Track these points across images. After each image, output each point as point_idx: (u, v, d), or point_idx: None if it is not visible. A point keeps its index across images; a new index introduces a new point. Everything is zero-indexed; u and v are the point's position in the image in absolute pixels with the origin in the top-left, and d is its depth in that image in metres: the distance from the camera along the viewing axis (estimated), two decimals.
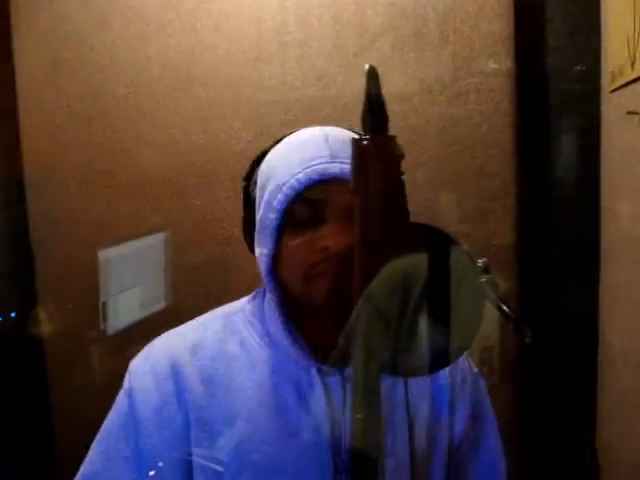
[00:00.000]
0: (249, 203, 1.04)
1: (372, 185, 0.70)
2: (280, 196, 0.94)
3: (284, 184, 0.94)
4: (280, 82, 1.77)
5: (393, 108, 1.70)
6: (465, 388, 1.13)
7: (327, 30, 1.74)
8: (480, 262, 0.83)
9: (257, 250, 1.00)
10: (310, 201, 0.93)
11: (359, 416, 0.71)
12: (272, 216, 0.95)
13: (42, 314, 1.93)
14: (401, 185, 0.77)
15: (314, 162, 0.93)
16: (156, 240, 1.92)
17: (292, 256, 0.95)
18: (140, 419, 1.01)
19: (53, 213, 1.92)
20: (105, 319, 1.88)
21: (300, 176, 0.93)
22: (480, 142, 1.66)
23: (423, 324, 0.81)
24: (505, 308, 0.74)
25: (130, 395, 1.03)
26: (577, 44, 1.63)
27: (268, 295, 1.04)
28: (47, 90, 1.89)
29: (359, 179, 0.71)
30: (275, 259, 0.97)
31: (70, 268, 1.92)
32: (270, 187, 0.96)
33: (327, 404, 1.00)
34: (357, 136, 0.88)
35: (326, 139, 0.96)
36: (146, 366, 1.05)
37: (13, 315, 1.88)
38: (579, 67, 1.63)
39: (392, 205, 0.72)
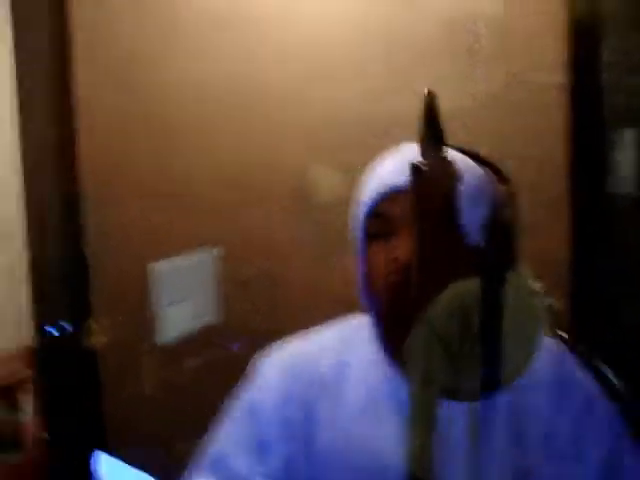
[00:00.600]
0: None
1: (428, 207, 0.71)
2: (359, 214, 1.00)
3: (362, 202, 0.99)
4: (333, 100, 1.78)
5: (446, 124, 1.69)
6: (595, 424, 0.99)
7: (380, 48, 1.74)
8: (539, 287, 0.83)
9: (355, 271, 1.03)
10: (380, 214, 0.95)
11: (417, 442, 0.71)
12: (356, 234, 1.01)
13: (96, 326, 1.96)
14: (455, 207, 0.77)
15: (386, 176, 0.97)
16: (207, 254, 1.94)
17: (371, 270, 0.97)
18: (263, 413, 1.07)
19: (107, 227, 1.95)
20: (156, 331, 1.91)
21: (372, 192, 0.97)
22: (533, 157, 1.64)
23: (484, 348, 0.81)
24: (562, 334, 0.73)
25: (257, 389, 1.09)
26: (632, 59, 1.61)
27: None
28: (108, 112, 1.93)
29: (418, 202, 0.72)
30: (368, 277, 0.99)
31: (123, 281, 1.95)
32: (358, 208, 1.01)
33: None
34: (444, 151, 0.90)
35: (403, 153, 0.99)
36: (273, 365, 1.11)
37: (68, 327, 1.92)
38: (634, 81, 1.61)
39: (447, 227, 0.73)
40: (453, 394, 0.83)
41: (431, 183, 0.71)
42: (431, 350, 0.75)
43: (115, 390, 1.97)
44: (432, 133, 0.73)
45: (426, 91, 0.72)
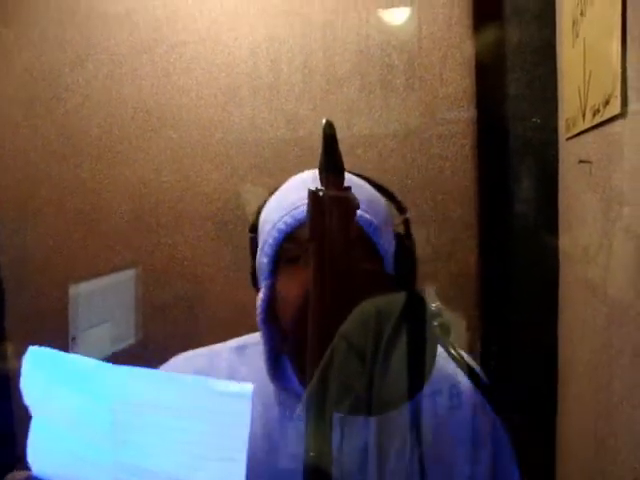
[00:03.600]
0: (255, 253, 1.06)
1: (326, 234, 0.74)
2: (270, 239, 0.98)
3: (273, 227, 0.98)
4: (250, 125, 1.82)
5: (358, 153, 1.75)
6: (484, 428, 1.07)
7: (296, 75, 1.79)
8: (434, 306, 0.87)
9: (258, 297, 1.03)
10: (297, 241, 0.96)
11: (312, 454, 0.73)
12: (265, 260, 0.99)
13: (10, 350, 1.93)
14: (355, 234, 0.81)
15: (301, 203, 0.96)
16: (126, 277, 1.93)
17: (283, 296, 0.98)
18: None
19: (24, 250, 1.93)
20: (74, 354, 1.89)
21: (287, 218, 0.97)
22: (443, 186, 1.71)
23: (394, 362, 0.85)
24: (453, 351, 0.77)
25: None
26: (536, 93, 1.70)
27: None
28: (22, 128, 1.92)
29: (314, 228, 0.75)
30: (271, 304, 1.00)
31: (41, 304, 1.93)
32: (264, 232, 1.00)
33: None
34: (353, 177, 0.93)
35: (314, 179, 1.00)
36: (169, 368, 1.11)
37: None
38: (538, 115, 1.69)
39: (345, 253, 0.76)
40: (366, 408, 0.87)
41: (329, 209, 0.74)
42: (347, 363, 0.78)
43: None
44: (330, 161, 0.76)
45: (324, 121, 0.75)
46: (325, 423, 0.74)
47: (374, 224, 0.98)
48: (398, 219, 1.06)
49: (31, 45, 1.91)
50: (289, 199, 1.00)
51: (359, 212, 0.97)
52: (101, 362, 0.83)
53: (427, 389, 0.83)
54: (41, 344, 0.94)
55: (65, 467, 0.86)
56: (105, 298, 1.94)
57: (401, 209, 1.10)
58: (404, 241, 1.05)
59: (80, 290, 1.89)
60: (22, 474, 0.89)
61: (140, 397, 0.81)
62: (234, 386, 0.75)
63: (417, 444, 0.99)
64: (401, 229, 1.05)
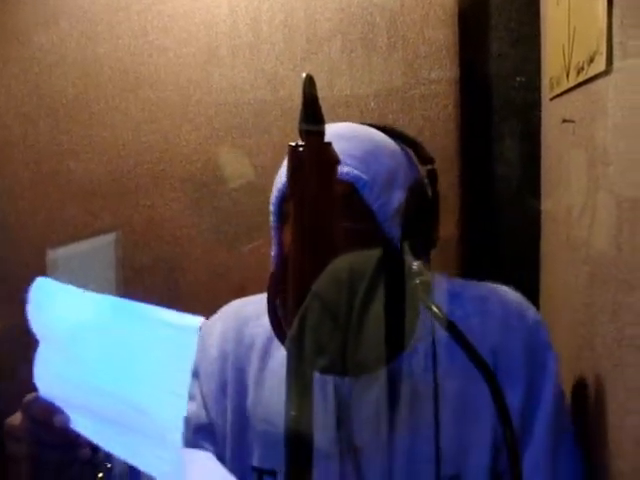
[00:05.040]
0: None
1: (305, 190, 0.72)
2: (273, 198, 1.02)
3: (276, 187, 1.02)
4: (230, 85, 1.78)
5: (339, 112, 1.73)
6: (520, 363, 1.01)
7: (277, 34, 1.76)
8: (415, 265, 0.86)
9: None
10: None
11: (293, 413, 0.73)
12: (272, 218, 1.03)
13: None
14: (334, 190, 0.79)
15: None
16: (105, 241, 1.91)
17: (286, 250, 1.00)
18: (200, 369, 1.14)
19: (2, 215, 1.90)
20: None
21: (284, 177, 0.95)
22: (426, 146, 1.69)
23: (369, 320, 0.84)
24: (434, 309, 0.76)
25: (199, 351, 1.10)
26: (519, 52, 1.68)
27: None
28: None
29: (293, 184, 0.74)
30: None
31: (18, 269, 1.90)
32: (272, 193, 1.04)
33: None
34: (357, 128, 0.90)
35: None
36: (215, 327, 1.17)
37: None
38: (521, 74, 1.68)
39: (325, 210, 0.75)
40: (342, 366, 0.86)
41: (307, 165, 0.73)
42: (321, 322, 0.77)
43: (8, 380, 1.92)
44: (310, 116, 0.74)
45: (304, 75, 0.73)
46: (304, 382, 0.73)
47: (363, 179, 0.97)
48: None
49: (3, 3, 1.86)
50: None
51: (347, 168, 0.96)
52: (96, 294, 0.89)
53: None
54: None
55: (65, 390, 0.92)
56: (84, 262, 1.92)
57: (425, 160, 1.08)
58: (424, 194, 1.03)
59: (58, 255, 1.87)
60: (31, 395, 0.94)
61: (109, 325, 0.87)
62: (183, 318, 0.77)
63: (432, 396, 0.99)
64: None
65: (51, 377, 0.95)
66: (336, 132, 1.02)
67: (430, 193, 1.05)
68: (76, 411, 0.91)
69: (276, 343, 1.06)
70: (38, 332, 0.96)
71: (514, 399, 0.97)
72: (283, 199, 1.00)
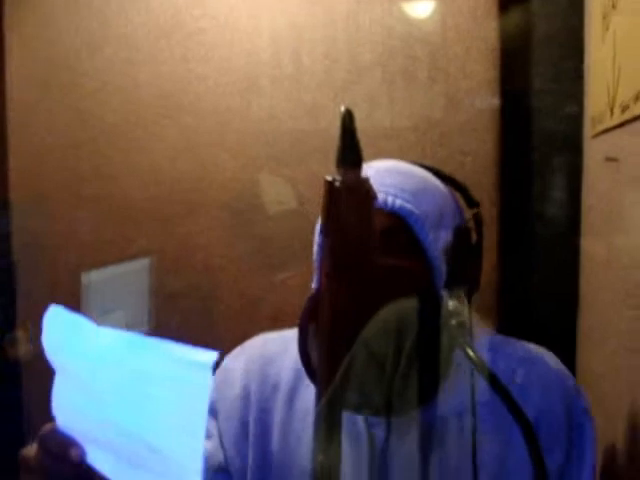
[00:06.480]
0: None
1: (340, 226, 0.71)
2: (318, 231, 1.00)
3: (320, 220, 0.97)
4: (268, 114, 1.79)
5: (378, 145, 1.72)
6: (560, 427, 0.98)
7: (317, 65, 1.76)
8: (451, 305, 0.84)
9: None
10: None
11: (320, 458, 0.71)
12: (316, 249, 1.01)
13: (22, 336, 1.91)
14: (371, 226, 0.77)
15: None
16: (139, 266, 1.92)
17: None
18: (219, 406, 1.09)
19: (38, 236, 1.92)
20: None
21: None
22: (463, 181, 1.67)
23: (413, 367, 0.82)
24: (470, 353, 0.74)
25: (220, 387, 1.09)
26: (562, 87, 1.66)
27: None
28: (37, 113, 1.90)
29: (328, 219, 0.72)
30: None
31: (53, 291, 1.91)
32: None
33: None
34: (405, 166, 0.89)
35: (375, 170, 0.95)
36: (239, 362, 1.12)
37: None
38: (563, 110, 1.65)
39: (361, 246, 0.73)
40: (386, 415, 0.84)
41: (345, 200, 0.71)
42: (367, 371, 0.75)
43: (40, 399, 1.92)
44: (348, 151, 0.73)
45: (342, 108, 0.72)
46: (335, 428, 0.71)
47: (415, 213, 0.95)
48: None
49: (48, 29, 1.89)
50: None
51: (399, 201, 0.94)
52: (104, 327, 0.87)
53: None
54: None
55: (82, 423, 0.90)
56: (118, 286, 1.93)
57: (471, 202, 1.06)
58: (469, 237, 1.01)
59: (93, 278, 1.88)
60: (47, 426, 0.92)
61: (127, 361, 0.84)
62: (197, 354, 0.75)
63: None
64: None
65: (69, 409, 0.93)
66: (387, 167, 1.01)
67: (474, 237, 1.03)
68: (93, 445, 0.89)
69: (303, 384, 1.04)
70: (54, 362, 0.95)
71: (552, 463, 0.94)
72: None
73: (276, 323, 1.24)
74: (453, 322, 0.80)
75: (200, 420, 0.77)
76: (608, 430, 1.18)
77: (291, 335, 1.11)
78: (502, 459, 0.96)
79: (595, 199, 1.46)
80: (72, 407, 0.92)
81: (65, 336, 0.92)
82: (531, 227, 1.65)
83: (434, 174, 1.05)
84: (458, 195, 1.08)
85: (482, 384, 0.75)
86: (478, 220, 1.03)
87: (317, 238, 1.02)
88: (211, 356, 0.74)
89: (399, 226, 0.94)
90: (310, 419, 0.97)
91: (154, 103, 1.84)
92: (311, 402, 1.00)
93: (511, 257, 1.67)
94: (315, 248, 1.03)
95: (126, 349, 0.85)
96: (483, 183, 1.66)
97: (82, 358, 0.90)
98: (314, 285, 1.03)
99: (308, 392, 1.02)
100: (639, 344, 1.07)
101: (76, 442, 0.88)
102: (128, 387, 0.84)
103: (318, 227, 1.01)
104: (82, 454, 0.87)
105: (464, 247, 0.98)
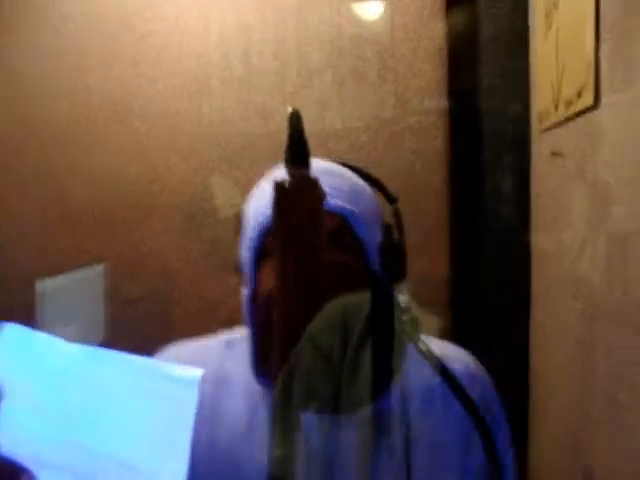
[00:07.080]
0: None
1: (292, 225, 0.71)
2: (252, 232, 0.96)
3: (256, 221, 0.96)
4: (219, 117, 1.78)
5: (330, 145, 1.73)
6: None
7: (267, 66, 1.76)
8: (402, 302, 0.85)
9: (243, 291, 1.00)
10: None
11: (278, 452, 0.71)
12: (247, 254, 0.97)
13: None
14: (321, 225, 0.78)
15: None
16: (94, 272, 1.89)
17: (265, 287, 0.95)
18: None
19: None
20: None
21: (266, 210, 0.91)
22: (414, 180, 1.69)
23: (362, 361, 0.82)
24: (422, 347, 0.75)
25: None
26: (509, 85, 1.68)
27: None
28: None
29: (279, 220, 0.73)
30: (255, 298, 0.97)
31: (7, 299, 1.88)
32: (247, 226, 0.98)
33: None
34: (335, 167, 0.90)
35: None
36: None
37: None
38: (511, 108, 1.67)
39: (313, 244, 0.74)
40: (334, 407, 0.84)
41: (292, 200, 0.72)
42: (314, 364, 0.75)
43: None
44: (296, 152, 0.73)
45: (289, 110, 0.72)
46: (290, 425, 0.71)
47: (355, 212, 0.96)
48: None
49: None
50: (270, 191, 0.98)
51: (339, 201, 0.95)
52: (65, 342, 0.82)
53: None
54: None
55: (30, 446, 0.84)
56: (73, 294, 1.90)
57: (391, 199, 1.07)
58: (392, 233, 1.02)
59: (47, 286, 1.85)
60: None
61: (94, 377, 0.81)
62: (182, 371, 0.74)
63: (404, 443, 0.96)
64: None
65: (18, 433, 0.87)
66: (321, 168, 1.01)
67: (396, 234, 1.04)
68: (47, 470, 0.83)
69: (225, 395, 1.02)
70: (3, 383, 0.88)
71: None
72: (265, 234, 0.97)
73: (234, 325, 1.24)
74: (404, 318, 0.81)
75: (183, 437, 0.75)
76: (559, 419, 1.20)
77: (208, 344, 1.10)
78: (441, 441, 0.98)
79: (543, 194, 1.49)
80: (22, 431, 0.86)
81: (19, 355, 0.88)
82: (483, 223, 1.67)
83: (355, 172, 1.06)
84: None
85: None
86: (398, 215, 1.04)
87: (251, 242, 0.99)
88: (196, 372, 0.73)
89: (341, 226, 0.95)
90: (237, 430, 0.98)
91: (104, 107, 1.82)
92: (236, 412, 1.00)
93: (463, 253, 1.70)
94: (246, 252, 1.00)
95: (91, 364, 0.82)
96: (434, 181, 1.68)
97: (40, 376, 0.86)
98: (245, 291, 1.01)
99: (231, 402, 1.02)
100: (588, 336, 1.09)
101: (25, 468, 0.85)
102: (95, 404, 0.81)
103: (251, 230, 0.98)
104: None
105: (392, 244, 0.99)
